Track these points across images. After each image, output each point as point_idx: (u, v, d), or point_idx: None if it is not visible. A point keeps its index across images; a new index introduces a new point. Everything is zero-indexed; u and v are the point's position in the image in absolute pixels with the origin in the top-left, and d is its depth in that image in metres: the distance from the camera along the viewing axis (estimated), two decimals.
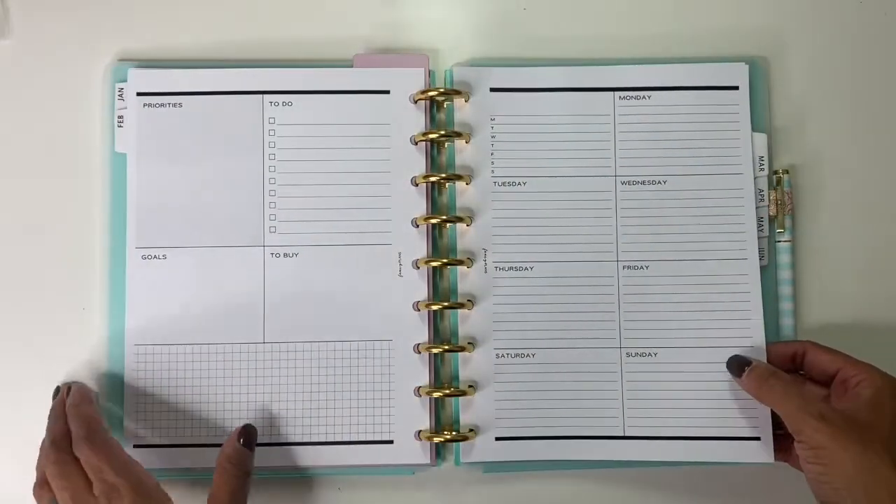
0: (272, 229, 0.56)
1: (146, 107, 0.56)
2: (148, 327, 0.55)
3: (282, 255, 0.56)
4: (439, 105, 0.57)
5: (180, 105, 0.56)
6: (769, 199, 0.55)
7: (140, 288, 0.55)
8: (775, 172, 0.56)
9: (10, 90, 0.57)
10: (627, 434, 0.55)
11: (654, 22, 0.59)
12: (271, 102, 0.56)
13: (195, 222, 0.56)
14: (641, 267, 0.56)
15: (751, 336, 0.55)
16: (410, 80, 0.57)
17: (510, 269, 0.56)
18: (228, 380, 0.55)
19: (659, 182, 0.56)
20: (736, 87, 0.56)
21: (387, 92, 0.57)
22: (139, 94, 0.56)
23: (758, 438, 0.54)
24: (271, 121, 0.56)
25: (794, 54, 0.58)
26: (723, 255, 0.55)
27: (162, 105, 0.56)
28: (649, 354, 0.55)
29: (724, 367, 0.54)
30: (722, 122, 0.56)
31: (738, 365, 0.52)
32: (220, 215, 0.56)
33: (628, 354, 0.55)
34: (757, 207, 0.55)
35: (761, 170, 0.56)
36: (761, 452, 0.53)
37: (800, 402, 0.47)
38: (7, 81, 0.57)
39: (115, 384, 0.55)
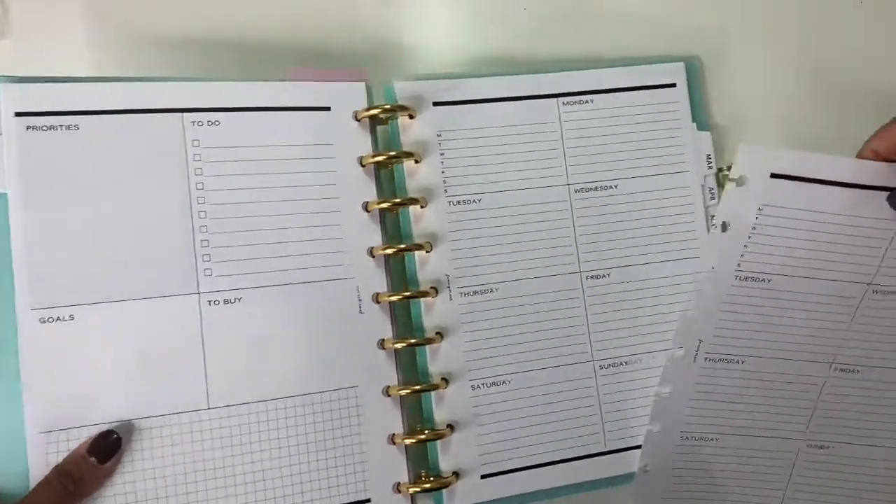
0: (207, 272, 0.44)
1: (30, 130, 0.42)
2: (55, 409, 0.41)
3: (221, 301, 0.44)
4: (382, 122, 0.48)
5: (77, 127, 0.42)
6: (718, 198, 0.52)
7: (40, 359, 0.41)
8: (720, 170, 0.52)
9: None
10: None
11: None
12: (194, 122, 0.44)
13: (107, 271, 0.42)
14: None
15: None
16: (352, 96, 0.47)
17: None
18: (168, 459, 0.42)
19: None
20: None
21: (327, 109, 0.46)
22: (18, 114, 0.42)
23: None
24: (196, 143, 0.44)
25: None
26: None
27: (52, 128, 0.42)
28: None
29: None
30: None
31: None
32: (138, 260, 0.42)
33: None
34: (708, 206, 0.52)
35: (710, 168, 0.52)
36: None
37: None
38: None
39: (16, 487, 0.40)
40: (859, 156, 0.43)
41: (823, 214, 0.44)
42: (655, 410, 0.47)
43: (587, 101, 0.49)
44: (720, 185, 0.50)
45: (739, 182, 0.43)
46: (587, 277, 0.48)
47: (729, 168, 0.49)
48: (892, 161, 0.42)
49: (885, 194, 0.43)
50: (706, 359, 0.46)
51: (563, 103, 0.49)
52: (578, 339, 0.47)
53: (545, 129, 0.48)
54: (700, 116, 0.50)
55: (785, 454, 0.48)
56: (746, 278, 0.45)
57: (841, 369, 0.47)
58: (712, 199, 0.50)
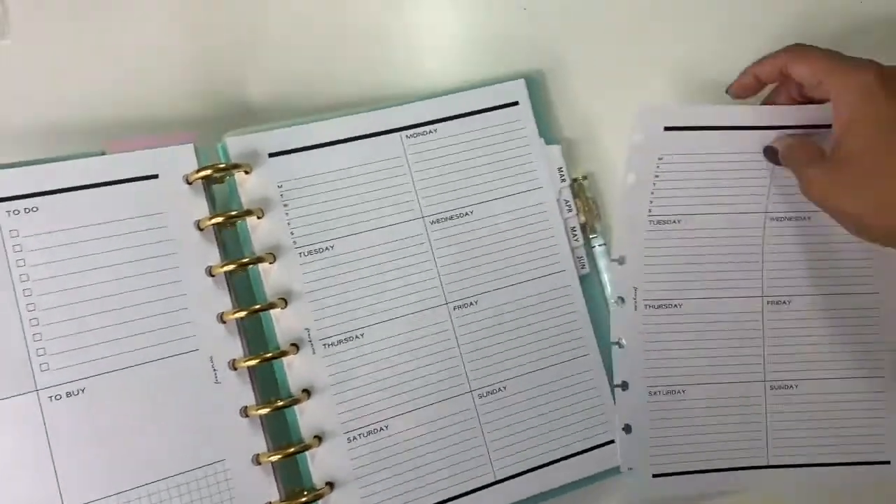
0: (43, 366, 0.41)
1: None
2: None
3: (63, 395, 0.41)
4: (219, 181, 0.46)
5: None
6: (576, 208, 0.51)
7: None
8: (574, 180, 0.52)
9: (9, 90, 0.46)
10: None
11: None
12: (10, 212, 0.41)
13: None
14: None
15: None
16: (180, 160, 0.45)
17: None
18: None
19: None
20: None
21: (155, 177, 0.44)
22: None
23: (888, 462, 0.49)
24: (14, 234, 0.41)
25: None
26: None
27: None
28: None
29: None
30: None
31: (771, 152, 0.46)
32: None
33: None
34: (567, 218, 0.51)
35: (563, 181, 0.51)
36: (889, 475, 0.49)
37: (804, 158, 0.43)
38: (7, 82, 0.46)
39: None
40: (740, 80, 0.46)
41: (714, 155, 0.47)
42: (617, 365, 0.47)
43: (431, 132, 0.48)
44: (576, 196, 0.49)
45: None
46: (454, 308, 0.47)
47: (584, 178, 0.48)
48: (768, 83, 0.46)
49: (763, 133, 0.47)
50: (646, 305, 0.48)
51: (407, 136, 0.48)
52: (454, 372, 0.46)
53: (392, 165, 0.47)
54: (547, 131, 0.50)
55: (754, 399, 0.48)
56: (659, 221, 0.48)
57: (773, 302, 0.49)
58: (570, 210, 0.49)
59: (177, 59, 0.49)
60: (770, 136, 0.48)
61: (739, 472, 0.48)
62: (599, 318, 0.49)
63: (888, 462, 0.49)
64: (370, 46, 0.51)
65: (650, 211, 0.48)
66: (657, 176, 0.47)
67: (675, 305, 0.49)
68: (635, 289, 0.48)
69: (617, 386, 0.48)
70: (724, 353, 0.49)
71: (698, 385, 0.48)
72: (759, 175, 0.49)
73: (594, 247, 0.50)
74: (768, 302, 0.49)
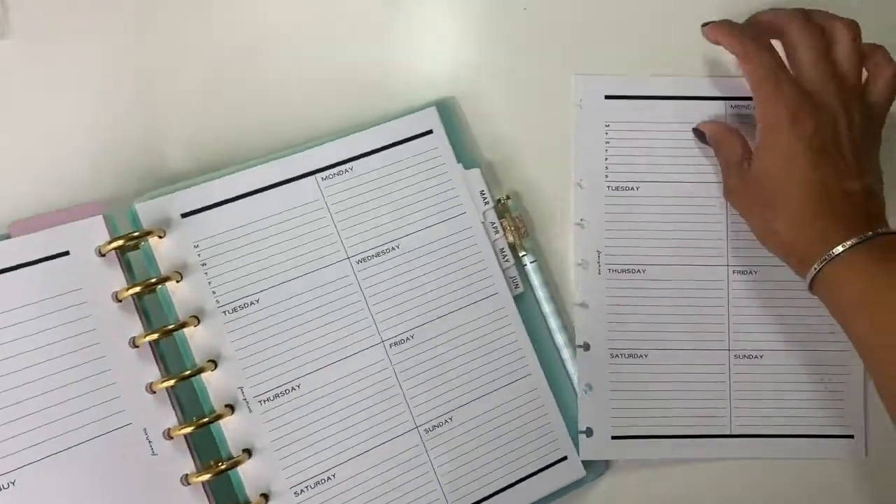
0: None
1: None
2: None
3: None
4: (133, 248, 0.46)
5: None
6: (503, 229, 0.51)
7: None
8: (498, 201, 0.51)
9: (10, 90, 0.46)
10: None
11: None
12: None
13: None
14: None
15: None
16: (90, 233, 0.44)
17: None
18: None
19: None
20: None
21: (66, 254, 0.44)
22: None
23: (851, 436, 0.49)
24: None
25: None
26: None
27: None
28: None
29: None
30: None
31: (698, 134, 0.49)
32: None
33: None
34: (494, 240, 0.50)
35: (486, 203, 0.51)
36: (854, 450, 0.49)
37: (724, 170, 0.47)
38: (7, 81, 0.46)
39: None
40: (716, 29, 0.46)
41: (662, 125, 0.49)
42: (580, 326, 0.48)
43: (347, 171, 0.47)
44: (501, 217, 0.49)
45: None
46: (391, 345, 0.46)
47: (508, 198, 0.48)
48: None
49: (709, 103, 0.50)
50: (609, 269, 0.49)
51: (322, 178, 0.47)
52: (397, 411, 0.46)
53: (310, 210, 0.47)
54: (464, 155, 0.49)
55: (717, 367, 0.48)
56: (617, 188, 0.49)
57: (738, 271, 0.49)
58: (496, 232, 0.49)
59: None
60: (716, 106, 0.50)
61: (701, 440, 0.48)
62: (538, 336, 0.49)
63: (852, 436, 0.49)
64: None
65: (607, 177, 0.49)
66: (608, 142, 0.49)
67: (638, 271, 0.49)
68: (598, 252, 0.48)
69: (579, 346, 0.49)
70: (688, 320, 0.49)
71: (660, 350, 0.49)
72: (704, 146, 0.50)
73: (525, 265, 0.49)
74: (734, 271, 0.49)
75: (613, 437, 0.48)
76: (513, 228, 0.49)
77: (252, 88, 0.50)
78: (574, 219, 0.50)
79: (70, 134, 0.47)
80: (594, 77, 0.51)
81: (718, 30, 0.45)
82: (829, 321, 0.44)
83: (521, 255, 0.49)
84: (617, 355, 0.49)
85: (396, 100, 0.50)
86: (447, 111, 0.50)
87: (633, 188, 0.50)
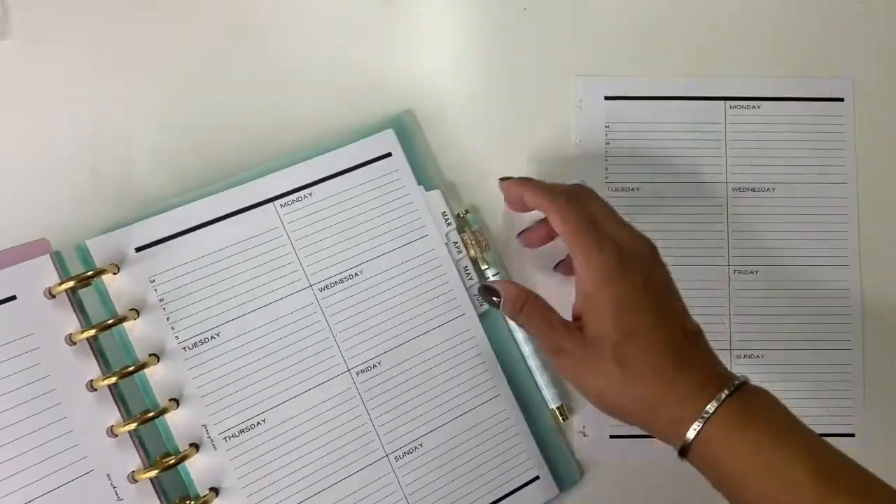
0: None
1: None
2: None
3: None
4: (86, 285, 0.44)
5: None
6: (465, 245, 0.50)
7: None
8: (458, 216, 0.50)
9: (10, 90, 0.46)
10: None
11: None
12: None
13: None
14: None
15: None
16: (38, 274, 0.42)
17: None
18: None
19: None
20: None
21: (13, 298, 0.42)
22: None
23: (852, 435, 0.49)
24: None
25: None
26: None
27: None
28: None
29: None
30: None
31: (490, 292, 0.43)
32: None
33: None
34: (458, 260, 0.49)
35: (448, 224, 0.50)
36: (854, 449, 0.46)
37: (544, 343, 0.41)
38: (7, 81, 0.46)
39: None
40: (512, 186, 0.44)
41: (661, 125, 0.50)
42: None
43: (306, 196, 0.46)
44: (462, 231, 0.49)
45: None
46: (357, 373, 0.46)
47: (467, 212, 0.47)
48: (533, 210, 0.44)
49: (705, 103, 0.50)
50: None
51: (281, 205, 0.46)
52: (367, 439, 0.46)
53: (269, 238, 0.45)
54: (424, 177, 0.48)
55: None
56: (616, 188, 0.49)
57: (740, 271, 0.50)
58: (459, 252, 0.48)
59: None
60: (716, 105, 0.50)
61: None
62: (505, 352, 0.48)
63: (853, 435, 0.49)
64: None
65: (607, 177, 0.49)
66: (608, 143, 0.49)
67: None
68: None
69: None
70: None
71: None
72: (715, 146, 0.50)
73: (489, 278, 0.49)
74: (735, 271, 0.50)
75: (611, 437, 0.48)
76: (474, 242, 0.49)
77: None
78: None
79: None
80: (594, 77, 0.51)
81: (523, 187, 0.43)
82: (829, 321, 0.45)
83: (483, 268, 0.49)
84: None
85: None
86: (404, 132, 0.49)
87: (633, 188, 0.50)
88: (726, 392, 0.36)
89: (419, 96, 0.51)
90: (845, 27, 0.52)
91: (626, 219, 0.42)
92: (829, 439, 0.47)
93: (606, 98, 0.50)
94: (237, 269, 0.44)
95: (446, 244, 0.48)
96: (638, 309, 0.38)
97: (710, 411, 0.36)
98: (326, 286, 0.46)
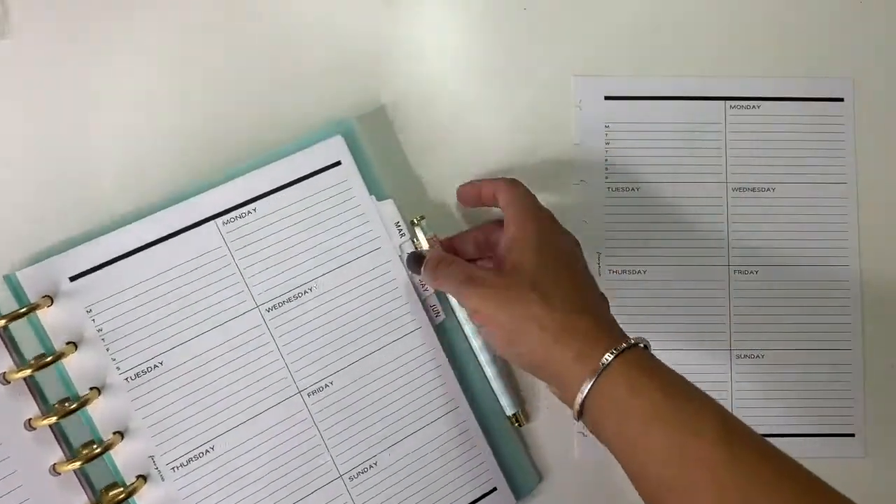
0: None
1: None
2: None
3: None
4: (18, 318, 0.42)
5: None
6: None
7: None
8: (412, 222, 0.47)
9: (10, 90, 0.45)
10: None
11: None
12: None
13: None
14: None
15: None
16: None
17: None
18: None
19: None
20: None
21: None
22: None
23: (852, 435, 0.49)
24: None
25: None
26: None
27: None
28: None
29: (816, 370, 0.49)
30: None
31: (415, 260, 0.45)
32: None
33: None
34: (411, 273, 0.48)
35: (402, 235, 0.48)
36: (854, 449, 0.49)
37: (460, 276, 0.41)
38: (7, 81, 0.45)
39: None
40: (467, 188, 0.47)
41: (661, 125, 0.49)
42: None
43: (249, 212, 0.44)
44: (414, 237, 0.47)
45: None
46: (309, 394, 0.45)
47: (422, 218, 0.45)
48: (486, 204, 0.46)
49: (707, 103, 0.50)
50: (609, 270, 0.49)
51: (223, 223, 0.44)
52: (320, 461, 0.45)
53: (212, 258, 0.44)
54: (376, 187, 0.46)
55: (718, 367, 0.49)
56: (616, 188, 0.49)
57: (740, 271, 0.50)
58: None
59: None
60: (715, 105, 0.50)
61: None
62: (463, 362, 0.47)
63: (853, 435, 0.50)
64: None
65: (607, 177, 0.48)
66: (608, 143, 0.48)
67: (639, 272, 0.49)
68: (599, 254, 0.48)
69: None
70: (689, 320, 0.49)
71: (661, 351, 0.48)
72: (715, 146, 0.50)
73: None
74: (734, 271, 0.49)
75: None
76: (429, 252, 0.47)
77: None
78: (575, 219, 0.49)
79: None
80: (594, 78, 0.50)
81: (474, 184, 0.46)
82: (829, 321, 0.46)
83: None
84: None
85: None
86: (353, 139, 0.46)
87: (633, 188, 0.49)
88: (632, 342, 0.37)
89: (419, 96, 0.50)
90: (845, 27, 0.52)
91: (627, 218, 0.47)
92: (829, 439, 0.49)
93: (606, 98, 0.49)
94: (179, 294, 0.43)
95: (400, 255, 0.46)
96: (558, 247, 0.41)
97: (620, 349, 0.36)
98: (274, 306, 0.44)
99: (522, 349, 0.38)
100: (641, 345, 0.37)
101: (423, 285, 0.47)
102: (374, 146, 0.47)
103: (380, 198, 0.46)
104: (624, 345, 0.36)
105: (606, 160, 0.49)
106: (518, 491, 0.47)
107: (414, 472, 0.46)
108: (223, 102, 0.47)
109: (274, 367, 0.44)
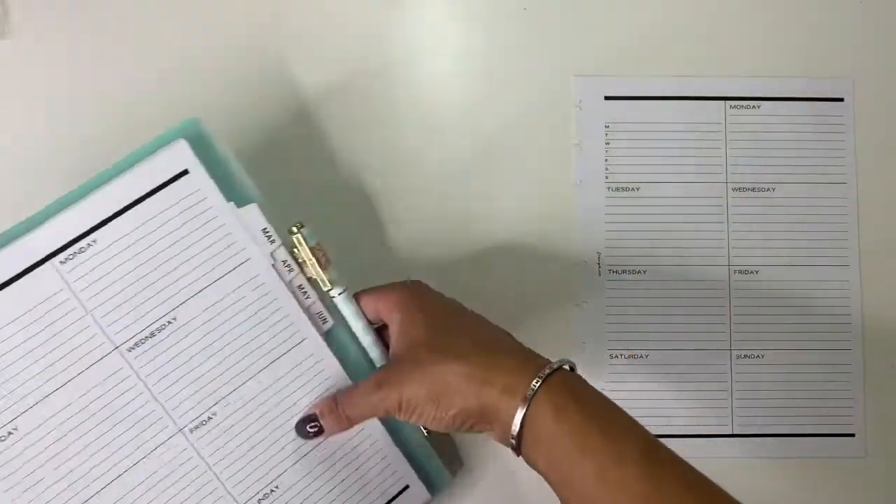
0: None
1: None
2: None
3: None
4: None
5: None
6: (298, 266, 0.43)
7: None
8: (290, 230, 0.42)
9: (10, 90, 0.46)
10: None
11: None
12: None
13: None
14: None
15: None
16: None
17: None
18: None
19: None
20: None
21: None
22: None
23: (852, 435, 0.49)
24: None
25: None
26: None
27: None
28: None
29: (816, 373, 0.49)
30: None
31: (305, 424, 0.42)
32: None
33: None
34: (290, 280, 0.42)
35: (272, 241, 0.43)
36: (854, 448, 0.49)
37: (368, 391, 0.40)
38: (7, 81, 0.46)
39: None
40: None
41: (664, 125, 0.49)
42: (576, 325, 0.49)
43: (90, 245, 0.39)
44: (295, 248, 0.42)
45: (582, 107, 0.46)
46: (191, 430, 0.42)
47: (302, 226, 0.41)
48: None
49: (705, 103, 0.50)
50: (609, 270, 0.49)
51: (61, 262, 0.39)
52: (216, 496, 0.42)
53: (54, 304, 0.40)
54: (233, 192, 0.41)
55: (718, 367, 0.49)
56: (616, 188, 0.49)
57: (740, 271, 0.50)
58: (290, 270, 0.42)
59: None
60: (715, 105, 0.50)
61: (702, 439, 0.49)
62: (358, 367, 0.44)
63: (853, 435, 0.50)
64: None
65: (607, 177, 0.48)
66: (608, 143, 0.49)
67: (639, 271, 0.48)
68: (599, 254, 0.48)
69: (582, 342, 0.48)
70: (689, 320, 0.49)
71: (661, 351, 0.48)
72: (715, 146, 0.49)
73: (333, 297, 0.43)
74: (735, 271, 0.49)
75: None
76: (310, 261, 0.42)
77: None
78: (575, 219, 0.49)
79: None
80: (594, 78, 0.49)
81: (366, 293, 0.44)
82: (829, 321, 0.47)
83: (326, 290, 0.43)
84: (616, 356, 0.48)
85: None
86: (202, 142, 0.41)
87: (633, 188, 0.49)
88: (555, 366, 0.37)
89: (419, 96, 0.50)
90: (845, 27, 0.51)
91: (627, 218, 0.49)
92: (829, 439, 0.49)
93: (606, 98, 0.49)
94: (22, 351, 0.38)
95: (273, 265, 0.42)
96: (443, 309, 0.41)
97: (545, 374, 0.36)
98: (135, 344, 0.40)
99: (455, 408, 0.38)
100: (566, 366, 0.37)
101: (302, 291, 0.42)
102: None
103: (240, 204, 0.41)
104: (547, 370, 0.36)
105: (606, 160, 0.49)
106: (431, 488, 0.45)
107: (324, 484, 0.43)
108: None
109: (146, 409, 0.40)
